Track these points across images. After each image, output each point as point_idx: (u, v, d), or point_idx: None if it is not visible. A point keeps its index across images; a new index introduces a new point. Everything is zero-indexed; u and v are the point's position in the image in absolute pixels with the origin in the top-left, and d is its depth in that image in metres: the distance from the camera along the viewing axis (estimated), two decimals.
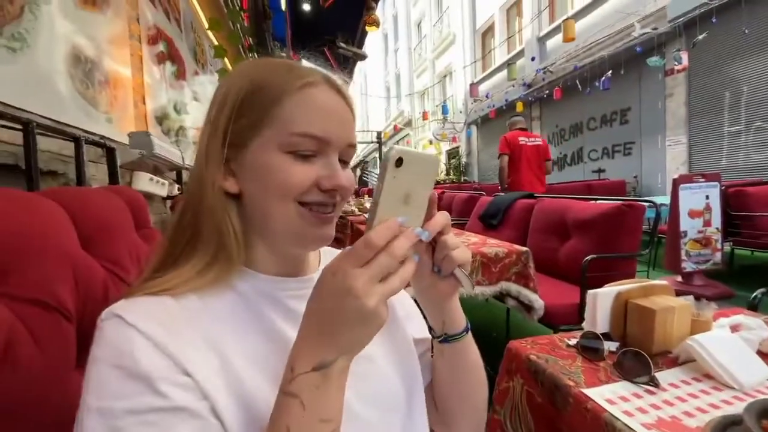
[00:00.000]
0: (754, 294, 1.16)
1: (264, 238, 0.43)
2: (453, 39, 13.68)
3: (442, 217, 0.40)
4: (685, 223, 3.36)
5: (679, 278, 3.38)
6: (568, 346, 0.75)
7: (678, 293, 0.78)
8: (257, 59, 0.46)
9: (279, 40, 7.50)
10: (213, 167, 0.41)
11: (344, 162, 0.44)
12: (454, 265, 0.41)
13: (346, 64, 7.81)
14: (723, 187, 3.44)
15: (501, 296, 1.85)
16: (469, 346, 0.51)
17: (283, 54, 6.75)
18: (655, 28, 5.66)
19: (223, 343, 0.37)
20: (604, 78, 6.26)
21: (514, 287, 1.76)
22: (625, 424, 0.52)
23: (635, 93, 6.65)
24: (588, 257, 1.71)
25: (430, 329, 0.51)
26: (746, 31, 4.67)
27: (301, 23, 6.09)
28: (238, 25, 2.83)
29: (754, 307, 1.12)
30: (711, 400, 0.57)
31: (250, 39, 3.32)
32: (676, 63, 5.36)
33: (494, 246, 1.82)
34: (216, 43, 2.41)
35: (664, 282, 0.77)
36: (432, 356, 0.54)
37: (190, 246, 0.41)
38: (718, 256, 3.40)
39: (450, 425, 0.55)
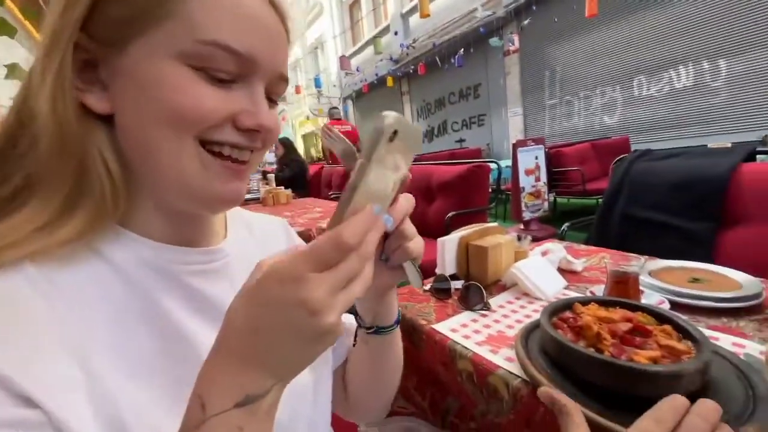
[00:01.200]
0: (561, 228, 1.47)
1: (145, 185, 0.31)
2: (321, 10, 13.25)
3: (407, 203, 0.33)
4: (523, 180, 4.08)
5: (521, 226, 4.11)
6: (424, 291, 0.82)
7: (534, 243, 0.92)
8: None
9: None
10: (63, 68, 0.26)
11: (271, 101, 0.33)
12: (406, 257, 0.35)
13: None
14: (547, 149, 4.29)
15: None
16: (396, 336, 0.46)
17: None
18: (494, 13, 6.48)
19: (85, 344, 0.26)
20: (457, 56, 6.94)
21: None
22: (464, 346, 0.59)
23: (483, 70, 7.60)
24: (449, 214, 1.92)
25: (356, 316, 0.44)
26: (556, 20, 5.73)
27: None
28: None
29: (561, 237, 1.43)
30: (527, 312, 0.70)
31: None
32: (510, 44, 6.27)
33: None
34: None
35: (495, 224, 0.90)
36: (354, 344, 0.49)
37: (20, 189, 0.27)
38: (546, 204, 4.24)
39: (358, 408, 0.52)
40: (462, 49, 6.96)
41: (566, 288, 0.78)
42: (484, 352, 0.56)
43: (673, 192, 1.31)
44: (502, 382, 0.51)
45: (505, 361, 0.54)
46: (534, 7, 5.89)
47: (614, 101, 5.61)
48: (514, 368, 0.52)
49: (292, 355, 0.24)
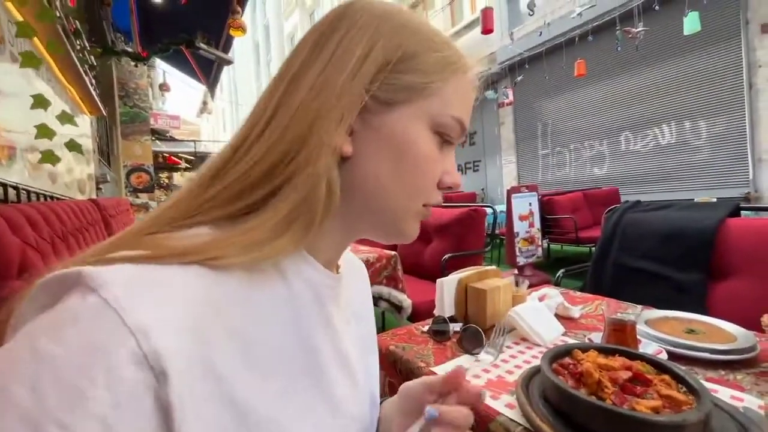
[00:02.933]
0: (557, 274, 1.49)
1: (349, 216, 0.34)
2: None
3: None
4: (518, 225, 4.15)
5: (516, 271, 4.12)
6: (422, 332, 0.81)
7: (531, 288, 0.94)
8: (404, 13, 0.34)
9: (122, 32, 6.43)
10: (338, 123, 0.30)
11: None
12: None
13: (209, 67, 7.18)
14: (540, 196, 4.41)
15: (374, 300, 1.92)
16: None
17: (129, 48, 5.81)
18: (489, 69, 6.91)
19: (239, 361, 0.26)
20: None
21: (385, 290, 1.85)
22: None
23: (479, 120, 7.96)
24: (445, 256, 1.93)
25: None
26: (546, 78, 6.12)
27: (151, 16, 5.36)
28: (58, 3, 2.30)
29: (557, 283, 1.44)
30: (526, 357, 0.69)
31: (77, 23, 2.74)
32: (504, 98, 6.64)
33: (365, 252, 1.89)
34: (20, 18, 1.90)
35: (493, 267, 0.92)
36: None
37: (259, 194, 0.30)
38: (539, 250, 4.29)
39: None
40: None
41: (564, 334, 0.79)
42: (486, 399, 0.56)
43: (663, 243, 1.34)
44: (503, 429, 0.50)
45: (505, 407, 0.54)
46: (527, 65, 6.31)
47: (603, 154, 5.86)
48: (515, 415, 0.51)
49: None
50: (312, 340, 0.32)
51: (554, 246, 4.97)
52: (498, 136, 7.54)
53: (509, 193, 4.20)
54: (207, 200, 0.29)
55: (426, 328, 0.82)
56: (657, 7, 4.46)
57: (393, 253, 1.88)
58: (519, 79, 6.20)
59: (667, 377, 0.50)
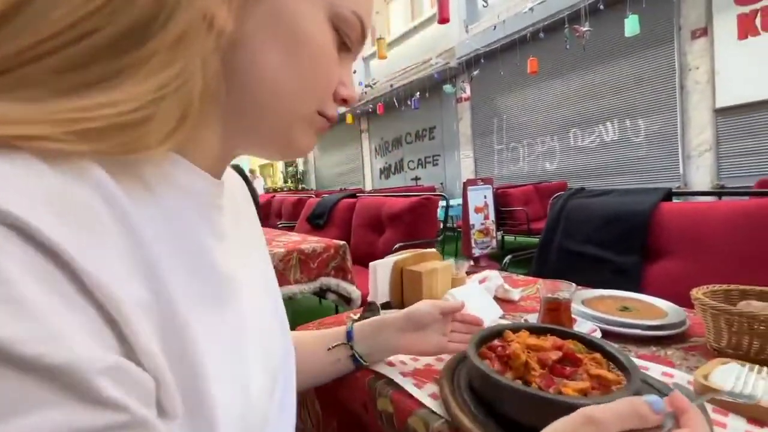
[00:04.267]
0: (504, 261, 1.48)
1: (230, 117, 0.28)
2: None
3: None
4: (473, 218, 4.21)
5: (471, 262, 4.19)
6: (354, 321, 0.73)
7: (470, 274, 0.90)
8: None
9: None
10: None
11: None
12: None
13: None
14: (495, 189, 4.51)
15: (322, 291, 1.83)
16: None
17: None
18: (447, 63, 6.99)
19: (157, 267, 0.22)
20: (414, 99, 7.31)
21: (333, 281, 1.76)
22: (384, 382, 0.51)
23: (438, 114, 8.03)
24: (396, 245, 1.88)
25: (352, 348, 0.53)
26: (502, 73, 6.28)
27: None
28: None
29: (504, 269, 1.43)
30: None
31: None
32: (462, 92, 6.73)
33: (313, 242, 1.79)
34: None
35: (432, 249, 0.86)
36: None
37: (100, 70, 0.20)
38: (494, 242, 4.39)
39: None
40: (418, 93, 7.35)
41: (502, 317, 0.74)
42: (407, 387, 0.49)
43: (603, 227, 1.37)
44: (422, 423, 0.44)
45: (429, 398, 0.47)
46: (483, 61, 6.44)
47: (553, 149, 6.13)
48: (437, 407, 0.45)
49: None
50: (200, 252, 0.27)
51: (508, 237, 5.12)
52: (456, 131, 7.65)
53: (465, 185, 4.25)
54: None
55: (357, 316, 0.74)
56: (602, 7, 4.69)
57: (342, 243, 1.79)
58: (475, 73, 6.30)
59: (598, 356, 0.46)
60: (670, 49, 4.65)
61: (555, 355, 0.45)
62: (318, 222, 2.79)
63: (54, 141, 0.18)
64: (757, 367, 0.48)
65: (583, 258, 1.38)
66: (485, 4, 5.10)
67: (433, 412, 0.44)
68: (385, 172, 9.75)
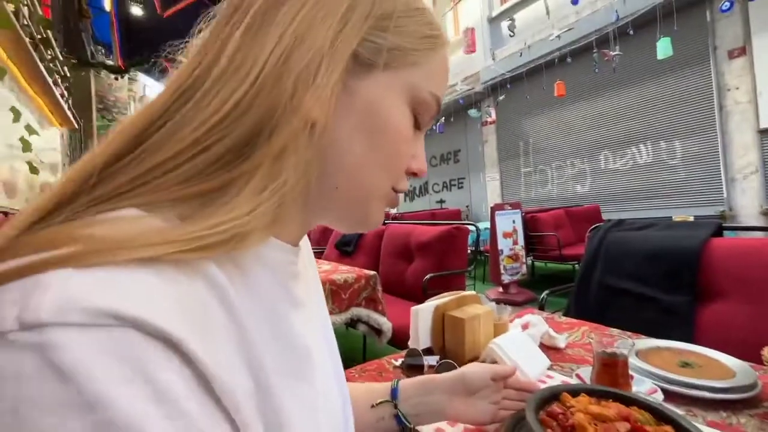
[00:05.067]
0: (541, 296, 1.43)
1: (315, 195, 0.29)
2: None
3: None
4: (501, 243, 4.12)
5: (500, 289, 4.07)
6: (395, 367, 0.73)
7: (500, 301, 0.88)
8: None
9: (103, 45, 6.32)
10: (320, 86, 0.24)
11: None
12: None
13: None
14: (523, 214, 4.41)
15: (352, 322, 1.83)
16: None
17: (110, 62, 5.69)
18: (473, 88, 7.06)
19: (257, 355, 0.24)
20: (439, 123, 7.38)
21: (364, 312, 1.76)
22: None
23: (463, 137, 8.06)
24: (427, 276, 1.86)
25: (400, 412, 0.51)
26: (528, 97, 6.27)
27: (133, 29, 5.29)
28: (26, 11, 2.21)
29: (542, 306, 1.38)
30: None
31: (49, 33, 2.63)
32: (487, 116, 6.75)
33: (344, 272, 1.80)
34: None
35: (472, 292, 0.84)
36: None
37: (221, 176, 0.23)
38: (524, 268, 4.25)
39: None
40: (443, 118, 7.42)
41: (550, 368, 0.71)
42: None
43: (647, 263, 1.30)
44: None
45: None
46: (509, 86, 6.46)
47: (584, 172, 5.97)
48: None
49: None
50: (285, 325, 0.28)
51: (538, 263, 4.95)
52: (482, 153, 7.63)
53: (493, 210, 4.19)
54: (136, 178, 0.22)
55: (399, 362, 0.73)
56: (631, 32, 4.63)
57: (372, 273, 1.79)
58: (501, 98, 6.32)
59: (669, 429, 0.43)
60: (706, 69, 4.52)
61: (623, 428, 0.42)
62: (347, 249, 2.82)
63: (184, 253, 0.20)
64: None
65: (627, 295, 1.32)
66: (512, 34, 5.15)
67: None
68: (410, 194, 9.77)
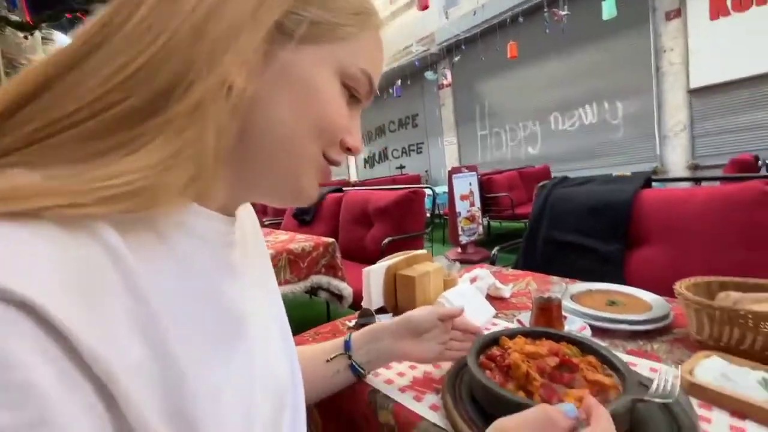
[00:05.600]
0: (492, 252, 1.50)
1: (243, 168, 0.30)
2: None
3: None
4: (459, 205, 4.24)
5: (459, 249, 4.24)
6: (348, 328, 0.74)
7: (458, 260, 0.91)
8: None
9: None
10: (238, 52, 0.25)
11: None
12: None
13: None
14: (479, 176, 4.54)
15: (313, 290, 1.83)
16: None
17: (15, 17, 4.90)
18: (428, 49, 6.92)
19: (161, 324, 0.23)
20: (396, 86, 7.24)
21: (324, 279, 1.76)
22: (384, 394, 0.52)
23: (420, 101, 7.99)
24: (386, 240, 1.88)
25: (350, 358, 0.54)
26: (483, 59, 6.26)
27: None
28: None
29: (492, 262, 1.45)
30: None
31: None
32: (444, 78, 6.69)
33: (301, 241, 1.77)
34: None
35: (423, 251, 0.86)
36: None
37: (121, 137, 0.22)
38: (480, 228, 4.44)
39: None
40: (399, 81, 7.27)
41: (496, 316, 0.76)
42: (407, 401, 0.50)
43: (587, 216, 1.40)
44: None
45: (429, 410, 0.48)
46: (464, 47, 6.39)
47: (535, 134, 6.19)
48: (440, 419, 0.46)
49: None
50: (214, 294, 0.29)
51: (494, 223, 5.19)
52: (439, 117, 7.64)
53: (450, 173, 4.27)
54: (30, 133, 0.21)
55: (352, 323, 0.74)
56: None
57: (331, 240, 1.78)
58: (456, 60, 6.27)
59: (592, 359, 0.48)
60: (645, 31, 4.72)
61: (553, 362, 0.46)
62: (304, 218, 2.77)
63: (76, 208, 0.19)
64: (741, 360, 0.51)
65: (569, 248, 1.42)
66: None
67: (435, 425, 0.45)
68: (370, 161, 9.70)
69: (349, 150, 0.34)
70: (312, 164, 0.32)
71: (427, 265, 0.82)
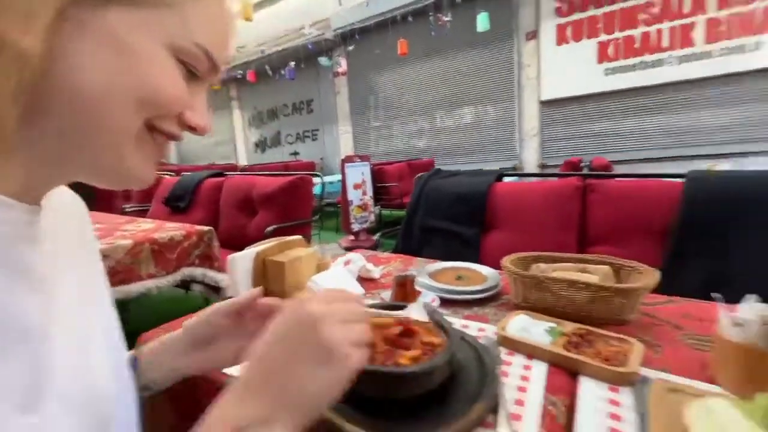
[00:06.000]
0: (375, 237, 1.59)
1: (48, 142, 0.26)
2: None
3: None
4: (351, 194, 4.33)
5: (351, 237, 4.34)
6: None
7: (351, 249, 0.92)
8: None
9: None
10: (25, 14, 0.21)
11: None
12: None
13: None
14: (372, 166, 4.70)
15: (186, 283, 1.67)
16: None
17: None
18: (323, 33, 6.78)
19: None
20: (288, 68, 6.92)
21: (198, 271, 1.62)
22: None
23: (315, 87, 7.81)
24: (270, 227, 1.82)
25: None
26: (377, 52, 6.44)
27: None
28: None
29: (376, 246, 1.54)
30: None
31: None
32: (338, 66, 6.67)
33: (170, 230, 1.59)
34: None
35: (298, 237, 0.87)
36: None
37: None
38: (372, 216, 4.63)
39: None
40: (293, 63, 6.97)
41: (364, 296, 0.81)
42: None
43: (454, 205, 1.59)
44: None
45: None
46: (358, 36, 6.46)
47: (423, 129, 6.68)
48: None
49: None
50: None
51: (385, 211, 5.46)
52: (335, 105, 7.60)
53: (343, 162, 4.32)
54: None
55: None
56: (459, 1, 5.17)
57: (207, 228, 1.64)
58: (351, 48, 6.30)
59: (430, 325, 0.56)
60: (510, 46, 5.48)
61: (396, 330, 0.52)
62: (178, 205, 2.48)
63: None
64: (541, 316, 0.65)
65: (440, 233, 1.59)
66: None
67: None
68: (261, 145, 9.12)
69: (194, 129, 0.32)
70: (130, 138, 0.28)
71: (300, 250, 0.82)
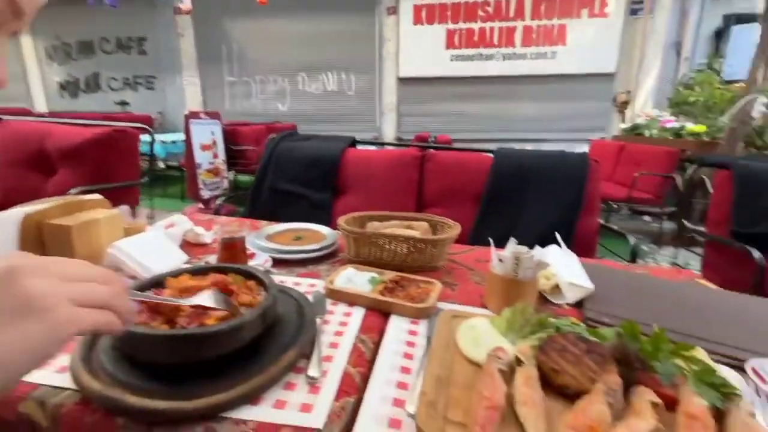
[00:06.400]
0: (217, 202, 1.44)
1: None
2: None
3: None
4: (199, 156, 3.81)
5: (201, 205, 3.86)
6: None
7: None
8: None
9: None
10: None
11: None
12: None
13: None
14: (224, 126, 4.20)
15: None
16: None
17: None
18: None
19: None
20: None
21: None
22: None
23: (150, 22, 6.38)
24: (73, 190, 1.44)
25: None
26: None
27: None
28: None
29: (217, 212, 1.40)
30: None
31: None
32: (181, 2, 5.57)
33: None
34: None
35: (97, 196, 0.70)
36: None
37: None
38: (225, 182, 4.19)
39: None
40: None
41: (187, 262, 0.73)
42: (48, 375, 0.40)
43: (306, 169, 1.56)
44: (36, 406, 0.37)
45: (56, 374, 0.40)
46: None
47: (285, 91, 6.29)
48: (64, 380, 0.39)
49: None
50: None
51: (243, 177, 5.02)
52: (177, 48, 6.40)
53: (187, 118, 3.72)
54: None
55: None
56: None
57: None
58: None
59: (252, 283, 0.53)
60: (373, 18, 5.56)
61: (210, 289, 0.48)
62: None
63: None
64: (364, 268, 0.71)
65: (290, 196, 1.55)
66: None
67: (56, 387, 0.38)
68: (70, 88, 7.05)
69: None
70: None
71: (98, 212, 0.67)
